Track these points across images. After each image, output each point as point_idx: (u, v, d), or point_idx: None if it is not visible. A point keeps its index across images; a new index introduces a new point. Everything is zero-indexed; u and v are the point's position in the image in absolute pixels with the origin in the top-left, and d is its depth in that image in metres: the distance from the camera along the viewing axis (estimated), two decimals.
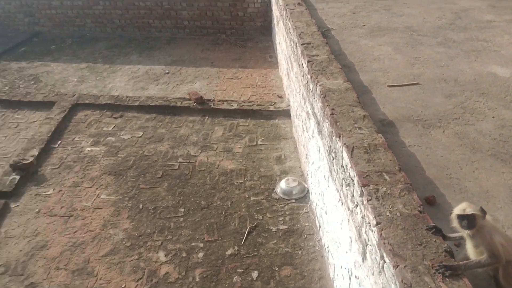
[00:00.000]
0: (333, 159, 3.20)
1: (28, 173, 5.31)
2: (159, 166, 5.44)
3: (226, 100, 6.93)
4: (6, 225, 4.58)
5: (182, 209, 4.72)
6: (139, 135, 6.12)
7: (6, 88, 7.78)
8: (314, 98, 3.90)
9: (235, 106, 6.71)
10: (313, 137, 4.22)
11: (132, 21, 10.37)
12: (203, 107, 6.71)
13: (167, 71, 8.35)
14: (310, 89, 4.15)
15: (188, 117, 6.58)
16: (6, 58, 9.25)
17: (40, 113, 6.74)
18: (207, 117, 6.58)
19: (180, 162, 5.52)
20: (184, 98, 6.99)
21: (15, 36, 10.50)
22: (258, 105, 6.73)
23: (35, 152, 5.60)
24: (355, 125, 3.01)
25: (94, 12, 10.36)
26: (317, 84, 3.72)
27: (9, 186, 5.05)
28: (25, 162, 5.33)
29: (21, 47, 9.89)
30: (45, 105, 6.90)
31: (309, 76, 4.13)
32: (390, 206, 2.32)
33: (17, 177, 5.18)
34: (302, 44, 4.58)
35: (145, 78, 8.07)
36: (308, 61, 4.17)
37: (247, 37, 10.14)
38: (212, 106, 6.72)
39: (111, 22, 10.47)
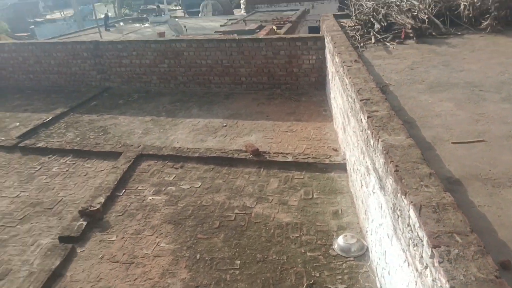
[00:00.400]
0: (398, 217, 3.12)
1: (94, 219, 5.60)
2: (216, 217, 5.53)
3: (281, 153, 7.04)
4: (72, 269, 4.80)
5: (238, 261, 4.72)
6: (198, 185, 6.32)
7: (78, 138, 8.45)
8: (375, 154, 3.89)
9: (290, 158, 6.79)
10: (373, 192, 4.15)
11: (194, 77, 11.07)
12: (258, 159, 6.85)
13: (224, 124, 8.70)
14: (370, 144, 4.15)
15: (244, 169, 6.73)
16: (78, 111, 10.12)
17: (108, 163, 7.20)
18: (262, 169, 6.68)
19: (236, 213, 5.59)
20: (240, 150, 7.19)
21: (87, 91, 11.53)
22: (313, 157, 6.76)
23: (102, 199, 5.93)
24: (421, 183, 2.96)
25: (160, 70, 11.21)
26: (378, 139, 3.72)
27: (76, 232, 5.34)
28: (92, 209, 5.65)
29: (92, 101, 10.80)
30: (112, 155, 7.39)
31: (369, 132, 4.15)
32: (464, 270, 2.21)
33: (84, 223, 5.48)
34: (361, 100, 4.64)
35: (204, 131, 8.45)
36: (368, 117, 4.20)
37: (301, 92, 10.40)
38: (267, 158, 6.84)
39: (175, 79, 11.24)
